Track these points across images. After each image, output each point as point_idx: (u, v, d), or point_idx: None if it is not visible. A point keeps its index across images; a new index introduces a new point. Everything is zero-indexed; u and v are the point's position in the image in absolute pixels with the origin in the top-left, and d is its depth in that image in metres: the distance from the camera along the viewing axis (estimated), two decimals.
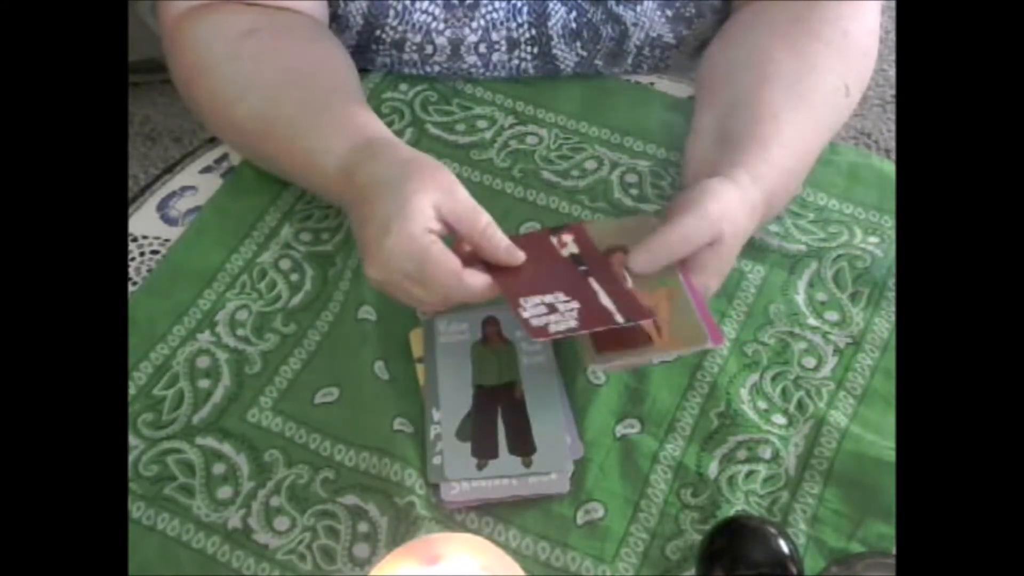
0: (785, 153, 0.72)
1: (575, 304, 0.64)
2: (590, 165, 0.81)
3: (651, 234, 0.66)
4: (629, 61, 0.86)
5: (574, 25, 0.83)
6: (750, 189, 0.69)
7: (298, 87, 0.75)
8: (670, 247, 0.66)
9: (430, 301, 0.66)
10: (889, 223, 0.78)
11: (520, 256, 0.66)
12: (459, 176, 0.79)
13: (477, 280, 0.65)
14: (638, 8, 0.82)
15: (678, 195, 0.71)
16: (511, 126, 0.83)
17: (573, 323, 0.63)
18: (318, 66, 0.78)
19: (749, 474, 0.66)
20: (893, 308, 0.73)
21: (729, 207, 0.67)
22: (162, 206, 0.79)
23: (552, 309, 0.64)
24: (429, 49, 0.83)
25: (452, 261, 0.64)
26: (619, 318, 0.63)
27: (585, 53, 0.84)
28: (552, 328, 0.62)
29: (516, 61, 0.85)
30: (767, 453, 0.66)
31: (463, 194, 0.66)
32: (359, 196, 0.67)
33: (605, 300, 0.65)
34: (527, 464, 0.65)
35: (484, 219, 0.66)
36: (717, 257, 0.67)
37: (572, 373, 0.69)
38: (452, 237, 0.66)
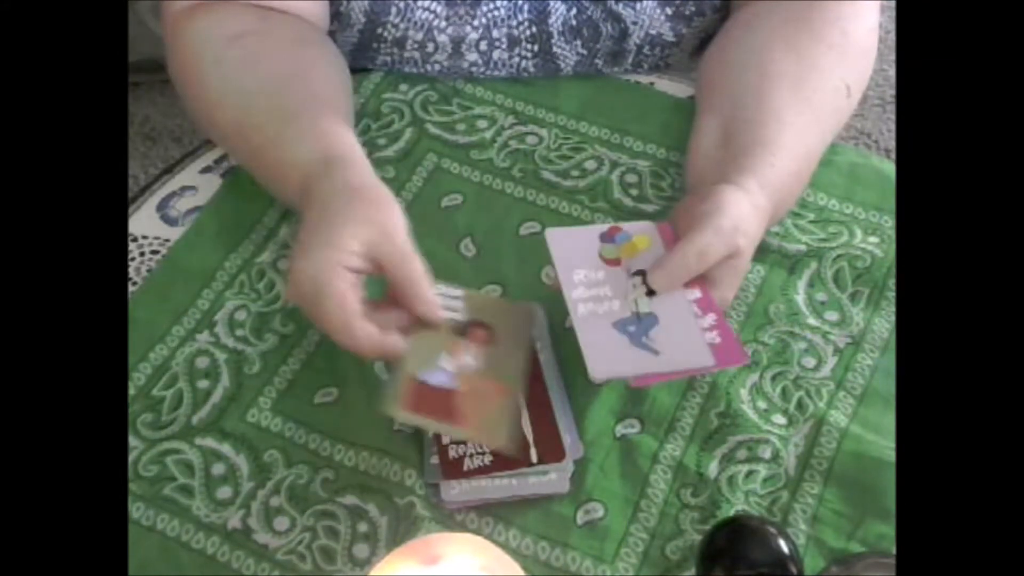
0: (791, 156, 0.72)
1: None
2: (590, 165, 0.81)
3: (668, 252, 0.66)
4: (629, 60, 0.86)
5: (574, 23, 0.83)
6: (759, 196, 0.69)
7: (273, 95, 0.75)
8: (687, 264, 0.65)
9: (327, 333, 0.64)
10: (889, 223, 0.78)
11: (440, 316, 0.65)
12: (459, 176, 0.80)
13: (366, 331, 0.62)
14: (638, 6, 0.82)
15: (687, 202, 0.71)
16: (511, 126, 0.83)
17: (488, 459, 0.64)
18: (299, 74, 0.77)
19: (749, 474, 0.66)
20: (893, 308, 0.73)
21: (743, 219, 0.66)
22: (162, 206, 0.79)
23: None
24: (430, 47, 0.83)
25: (350, 304, 0.62)
26: (533, 456, 0.65)
27: (585, 51, 0.84)
28: (467, 465, 0.64)
29: (516, 59, 0.85)
30: (767, 453, 0.66)
31: (402, 237, 0.64)
32: (309, 210, 0.67)
33: (526, 424, 0.66)
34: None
35: (417, 267, 0.64)
36: (733, 272, 0.67)
37: (572, 373, 0.69)
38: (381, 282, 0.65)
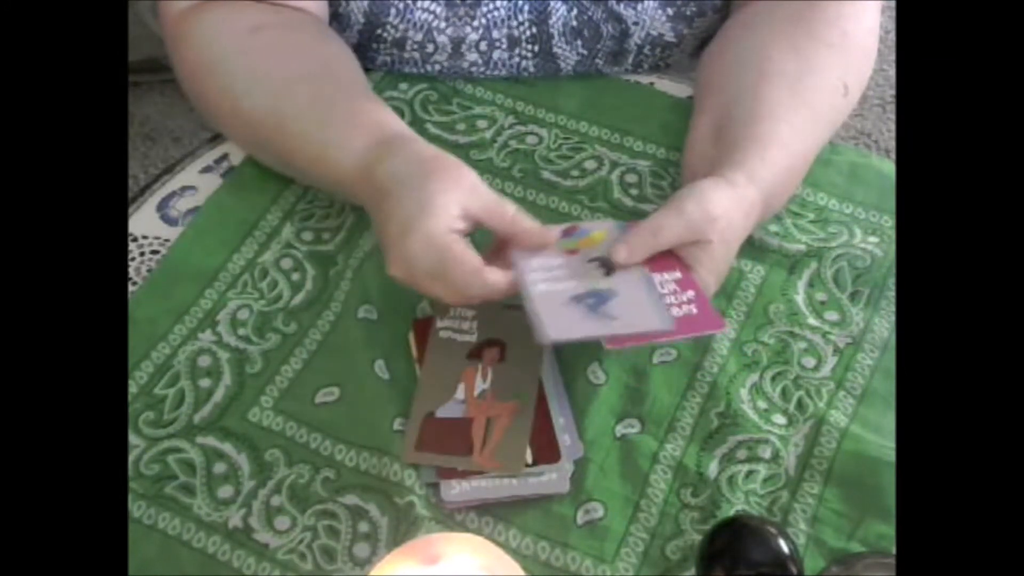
0: (783, 152, 0.72)
1: None
2: (590, 165, 0.81)
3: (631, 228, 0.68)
4: (630, 60, 0.86)
5: (575, 23, 0.83)
6: (746, 189, 0.69)
7: (311, 81, 0.75)
8: (643, 238, 0.67)
9: (452, 298, 0.66)
10: (889, 223, 0.78)
11: (552, 236, 0.68)
12: None
13: (497, 277, 0.65)
14: (639, 7, 0.82)
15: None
16: (511, 126, 0.83)
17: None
18: (330, 62, 0.77)
19: (749, 474, 0.66)
20: (893, 308, 0.73)
21: (717, 206, 0.67)
22: (162, 206, 0.79)
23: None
24: (430, 48, 0.83)
25: (473, 259, 0.64)
26: (529, 456, 0.65)
27: (586, 52, 0.85)
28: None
29: (516, 59, 0.85)
30: (767, 453, 0.66)
31: (485, 189, 0.67)
32: (379, 193, 0.67)
33: None
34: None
35: (510, 209, 0.67)
36: (709, 256, 0.67)
37: (572, 373, 0.69)
38: (480, 236, 0.67)
